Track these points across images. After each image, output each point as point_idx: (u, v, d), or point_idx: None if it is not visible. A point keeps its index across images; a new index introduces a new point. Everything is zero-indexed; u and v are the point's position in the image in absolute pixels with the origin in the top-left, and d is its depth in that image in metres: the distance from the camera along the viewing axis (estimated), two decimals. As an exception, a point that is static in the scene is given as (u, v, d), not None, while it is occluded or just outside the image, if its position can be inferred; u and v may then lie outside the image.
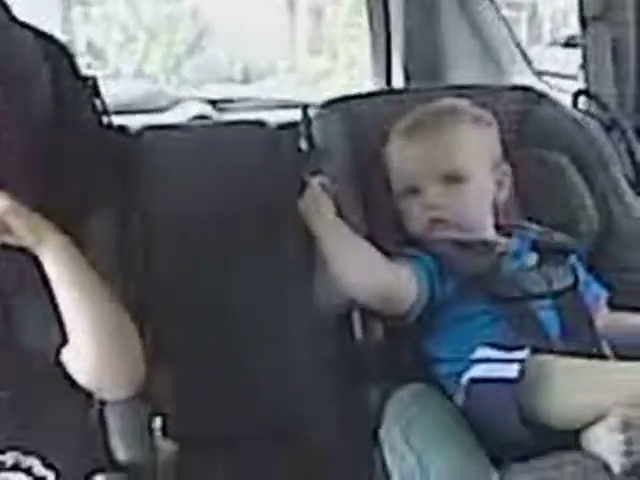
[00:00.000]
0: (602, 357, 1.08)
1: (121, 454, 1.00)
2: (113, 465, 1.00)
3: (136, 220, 1.24)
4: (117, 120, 1.35)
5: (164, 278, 1.32)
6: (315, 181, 1.23)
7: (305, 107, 1.34)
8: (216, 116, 1.76)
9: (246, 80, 2.37)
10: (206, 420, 1.31)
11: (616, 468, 0.93)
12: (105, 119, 1.33)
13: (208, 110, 1.77)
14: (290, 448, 1.30)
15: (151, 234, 1.29)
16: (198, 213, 1.42)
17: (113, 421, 1.01)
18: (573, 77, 1.68)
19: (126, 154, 1.28)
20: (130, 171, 1.27)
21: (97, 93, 1.32)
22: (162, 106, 1.80)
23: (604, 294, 1.22)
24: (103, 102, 1.34)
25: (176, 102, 1.81)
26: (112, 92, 1.37)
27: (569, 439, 0.97)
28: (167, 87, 2.07)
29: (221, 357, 1.38)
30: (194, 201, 1.43)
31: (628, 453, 0.92)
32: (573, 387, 0.98)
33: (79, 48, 2.05)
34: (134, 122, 1.52)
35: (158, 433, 1.03)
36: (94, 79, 1.32)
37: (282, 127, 1.48)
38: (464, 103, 1.28)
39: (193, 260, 1.41)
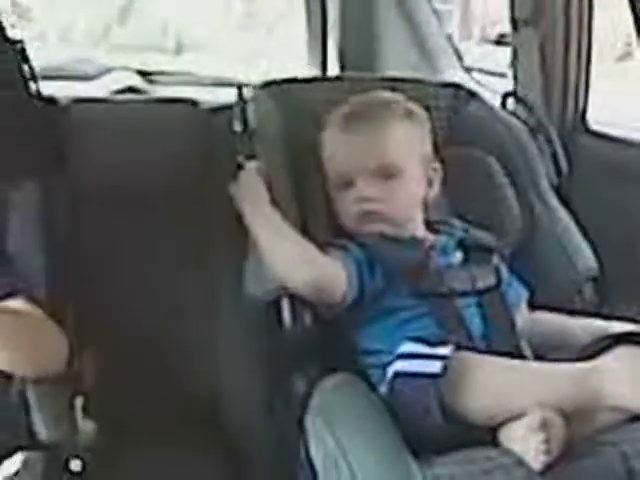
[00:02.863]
0: (521, 357, 1.12)
1: (42, 433, 0.99)
2: (35, 443, 0.98)
3: (62, 194, 1.20)
4: (41, 86, 1.30)
5: (88, 257, 1.29)
6: (250, 165, 1.22)
7: (240, 87, 1.32)
8: (146, 88, 1.72)
9: (178, 51, 2.31)
10: (130, 404, 1.30)
11: (535, 466, 0.96)
12: (33, 86, 1.28)
13: (138, 81, 1.73)
14: (216, 434, 1.30)
15: (76, 210, 1.25)
16: (127, 191, 1.39)
17: (34, 400, 1.00)
18: (502, 74, 1.73)
19: (54, 126, 1.24)
20: (57, 144, 1.23)
21: (25, 58, 1.27)
22: (89, 74, 1.74)
23: (525, 293, 1.26)
24: (32, 68, 1.29)
25: (105, 71, 1.76)
26: (36, 56, 1.32)
27: (487, 435, 1.01)
28: (95, 54, 2.00)
29: (146, 340, 1.36)
30: (122, 179, 1.40)
31: (547, 452, 0.96)
32: (493, 385, 1.01)
33: (3, 7, 1.95)
34: (58, 89, 1.47)
35: (79, 413, 1.01)
36: (22, 42, 1.27)
37: (216, 108, 1.46)
38: (399, 97, 1.30)
39: (119, 239, 1.38)
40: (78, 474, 0.98)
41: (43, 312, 1.04)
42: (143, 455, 1.22)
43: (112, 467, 1.05)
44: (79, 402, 1.03)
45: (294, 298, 1.15)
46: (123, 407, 1.25)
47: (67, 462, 0.98)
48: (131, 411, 1.28)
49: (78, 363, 1.05)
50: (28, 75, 1.27)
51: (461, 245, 1.24)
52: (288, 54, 2.08)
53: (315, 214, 1.25)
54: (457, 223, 1.28)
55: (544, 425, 0.96)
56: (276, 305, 1.16)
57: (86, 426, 1.03)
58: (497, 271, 1.22)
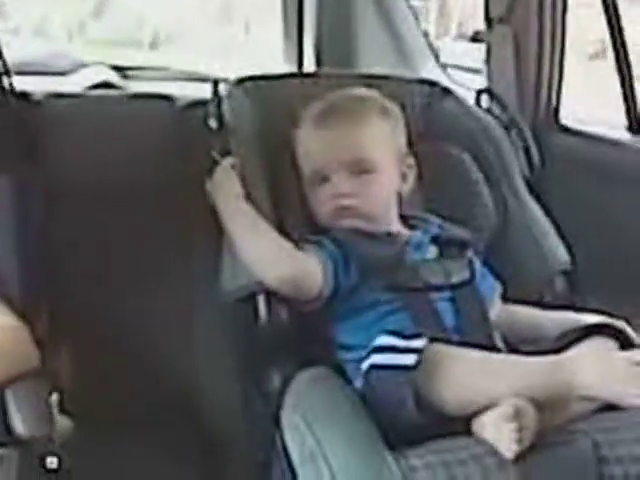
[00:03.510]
0: (494, 349, 1.13)
1: (19, 429, 0.98)
2: (11, 440, 0.98)
3: (36, 190, 1.20)
4: (15, 81, 1.29)
5: (62, 253, 1.28)
6: (225, 162, 1.22)
7: (215, 83, 1.32)
8: (121, 84, 1.71)
9: (154, 45, 2.30)
10: (106, 399, 1.29)
11: (508, 454, 0.97)
12: (6, 81, 1.27)
13: (113, 77, 1.72)
14: (192, 430, 1.30)
15: (51, 205, 1.24)
16: (101, 186, 1.38)
17: (11, 397, 0.99)
18: (477, 71, 1.75)
19: (27, 121, 1.23)
20: (31, 139, 1.22)
21: (-2, 52, 1.27)
22: (64, 69, 1.73)
23: (498, 287, 1.27)
24: (4, 62, 1.28)
25: (79, 65, 1.75)
26: (11, 50, 1.31)
27: (461, 426, 1.02)
28: (70, 49, 1.99)
29: (122, 336, 1.36)
30: (97, 174, 1.39)
31: (519, 440, 0.97)
32: (466, 376, 1.02)
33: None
34: (33, 84, 1.46)
35: (55, 409, 1.01)
36: (-6, 36, 1.26)
37: (191, 104, 1.46)
38: (374, 94, 1.31)
39: (93, 235, 1.38)
40: (54, 471, 0.97)
41: (11, 312, 1.03)
42: (119, 451, 1.22)
43: (88, 464, 1.05)
44: (55, 398, 1.03)
45: (270, 294, 1.15)
46: (99, 403, 1.25)
47: (43, 459, 0.97)
48: (107, 407, 1.28)
49: (54, 360, 1.04)
50: (1, 69, 1.26)
51: (435, 240, 1.25)
52: (265, 50, 2.08)
53: (290, 210, 1.25)
54: (432, 218, 1.29)
55: (516, 415, 0.98)
56: (252, 300, 1.16)
57: (62, 423, 1.02)
58: (471, 265, 1.23)
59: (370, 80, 1.39)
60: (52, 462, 0.97)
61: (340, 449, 0.99)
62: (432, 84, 1.47)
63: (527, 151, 1.46)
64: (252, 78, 1.37)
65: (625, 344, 1.09)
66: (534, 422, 0.99)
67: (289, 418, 1.06)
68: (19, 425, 0.99)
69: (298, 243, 1.18)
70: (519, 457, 0.97)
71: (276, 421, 1.08)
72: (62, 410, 1.02)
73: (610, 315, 1.14)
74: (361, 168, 1.22)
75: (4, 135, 1.16)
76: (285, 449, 1.05)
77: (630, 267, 1.43)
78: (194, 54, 2.16)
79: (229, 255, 1.17)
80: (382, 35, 1.94)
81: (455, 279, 1.19)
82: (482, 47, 1.69)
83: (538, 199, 1.40)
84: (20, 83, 1.35)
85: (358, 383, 1.08)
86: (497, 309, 1.25)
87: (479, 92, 1.56)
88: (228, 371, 1.25)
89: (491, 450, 0.98)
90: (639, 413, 1.04)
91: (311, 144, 1.25)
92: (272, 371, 1.13)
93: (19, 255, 1.11)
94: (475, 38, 1.87)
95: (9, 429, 0.99)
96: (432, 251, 1.24)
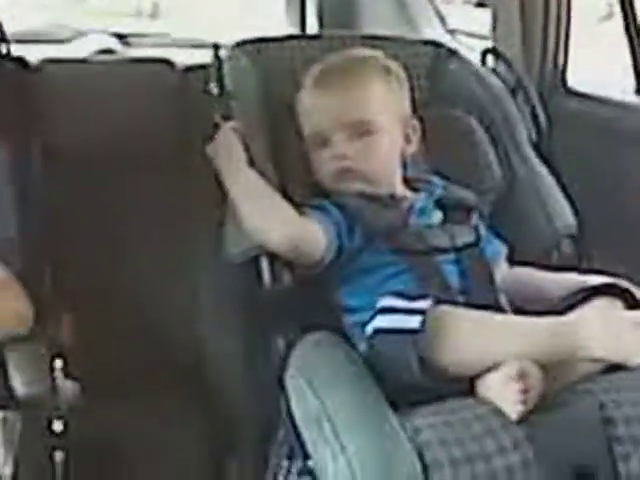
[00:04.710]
0: (500, 310, 1.12)
1: (21, 392, 0.99)
2: (13, 403, 0.98)
3: (35, 156, 1.19)
4: (16, 50, 1.28)
5: (63, 217, 1.27)
6: (227, 125, 1.21)
7: (216, 47, 1.30)
8: (122, 51, 1.69)
9: (154, 15, 2.28)
10: (109, 365, 1.29)
11: (512, 415, 0.97)
12: (3, 48, 1.26)
13: (114, 44, 1.70)
14: (197, 393, 1.30)
15: (50, 171, 1.23)
16: (101, 152, 1.37)
17: (11, 360, 0.99)
18: (485, 37, 1.72)
19: (25, 87, 1.21)
20: (30, 105, 1.21)
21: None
22: (64, 38, 1.71)
23: (504, 250, 1.26)
24: (1, 29, 1.27)
25: (79, 34, 1.73)
26: (11, 20, 1.30)
27: (465, 387, 1.01)
28: (70, 18, 1.97)
29: (126, 299, 1.35)
30: (96, 140, 1.38)
31: (524, 401, 0.96)
32: (471, 337, 1.01)
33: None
34: (32, 53, 1.45)
35: (59, 373, 1.01)
36: (-8, 4, 1.25)
37: (191, 68, 1.44)
38: (376, 54, 1.28)
39: (94, 200, 1.37)
40: (61, 434, 0.97)
41: (5, 273, 1.03)
42: (122, 416, 1.22)
43: (94, 427, 1.05)
44: (59, 364, 1.02)
45: (273, 258, 1.14)
46: (102, 369, 1.25)
47: (50, 423, 0.97)
48: (110, 373, 1.28)
49: (57, 325, 1.04)
50: (-1, 36, 1.25)
51: (440, 204, 1.23)
52: (266, 13, 2.06)
53: (293, 173, 1.24)
54: (436, 180, 1.27)
55: (521, 375, 0.97)
56: (255, 265, 1.16)
57: (67, 387, 1.02)
58: (476, 228, 1.22)
59: (373, 41, 1.37)
60: (59, 425, 0.97)
61: (344, 411, 0.99)
62: (437, 45, 1.45)
63: (534, 114, 1.44)
64: (253, 41, 1.35)
65: (631, 304, 1.08)
66: (539, 383, 0.98)
67: (293, 381, 1.06)
68: (20, 388, 0.99)
69: (301, 207, 1.16)
70: (524, 418, 0.97)
71: (280, 384, 1.07)
72: (66, 375, 1.02)
73: (616, 276, 1.13)
74: (362, 129, 1.20)
75: (2, 102, 1.15)
76: (289, 412, 1.05)
77: (636, 229, 1.42)
78: (195, 22, 2.14)
79: (232, 218, 1.16)
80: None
81: (460, 242, 1.18)
82: (488, 12, 1.66)
83: (545, 161, 1.39)
84: (19, 51, 1.33)
85: (362, 346, 1.07)
86: (503, 271, 1.24)
87: (485, 52, 1.54)
88: (232, 335, 1.25)
89: (495, 410, 0.98)
90: (645, 372, 1.03)
91: (312, 105, 1.24)
92: (276, 335, 1.12)
93: (20, 222, 1.10)
94: (481, 3, 1.84)
95: (10, 392, 0.99)
96: (437, 216, 1.23)
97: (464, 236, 1.19)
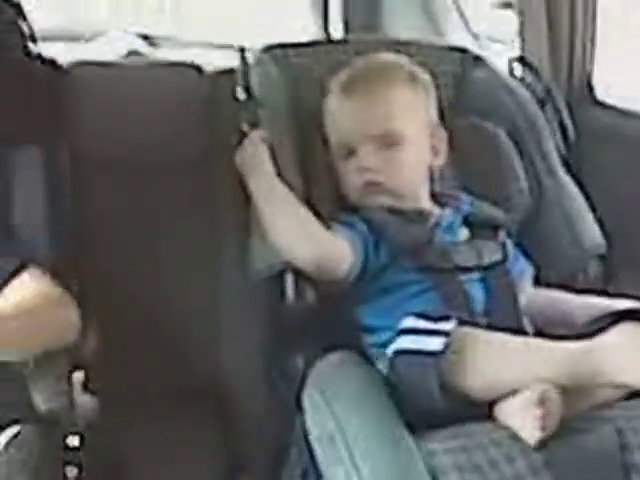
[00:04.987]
0: (523, 333, 1.10)
1: (41, 406, 0.98)
2: (32, 417, 0.98)
3: (63, 160, 1.18)
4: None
5: (90, 225, 1.27)
6: (255, 134, 1.20)
7: (242, 50, 1.29)
8: (149, 52, 1.68)
9: (174, 12, 2.26)
10: (129, 378, 1.28)
11: (531, 441, 0.96)
12: (32, 47, 1.25)
13: (140, 45, 1.69)
14: (214, 409, 1.29)
15: (79, 175, 1.22)
16: (129, 157, 1.36)
17: (33, 373, 0.99)
18: (510, 42, 1.69)
19: (55, 89, 1.21)
20: (59, 108, 1.20)
21: (22, 14, 1.24)
22: (86, 36, 1.70)
23: (530, 270, 1.24)
24: (30, 26, 1.25)
25: (102, 33, 1.72)
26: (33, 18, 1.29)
27: (484, 410, 1.00)
28: (92, 16, 1.96)
29: (147, 313, 1.34)
30: (125, 144, 1.37)
31: (543, 428, 0.95)
32: (492, 361, 1.00)
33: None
34: (56, 51, 1.43)
35: (78, 387, 1.00)
36: (19, 1, 1.24)
37: (220, 73, 1.43)
38: (403, 60, 1.26)
39: (120, 207, 1.36)
40: (76, 449, 0.97)
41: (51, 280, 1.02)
42: (141, 430, 1.21)
43: (111, 443, 1.04)
44: (78, 377, 1.02)
45: (298, 274, 1.13)
46: (122, 382, 1.24)
47: (65, 437, 0.97)
48: (130, 386, 1.27)
49: (79, 337, 1.03)
50: (27, 36, 1.24)
51: (467, 221, 1.22)
52: (291, 18, 2.04)
53: (320, 185, 1.22)
54: (464, 197, 1.25)
55: (541, 401, 0.96)
56: (280, 280, 1.15)
57: (85, 401, 1.02)
58: (503, 247, 1.20)
59: (399, 46, 1.34)
60: (74, 440, 0.97)
61: (360, 432, 0.98)
62: (463, 51, 1.42)
63: (562, 126, 1.42)
64: (279, 46, 1.34)
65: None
66: (559, 409, 0.97)
67: (310, 399, 1.05)
68: (40, 402, 0.98)
69: (329, 222, 1.15)
70: (542, 443, 0.96)
71: (298, 403, 1.07)
72: (85, 388, 1.01)
73: (644, 300, 1.11)
74: (389, 141, 1.18)
75: (33, 105, 1.14)
76: (304, 431, 1.04)
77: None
78: (219, 26, 2.12)
79: (258, 232, 1.15)
80: (411, 1, 1.89)
81: (486, 260, 1.16)
82: (513, 18, 1.64)
83: (573, 177, 1.36)
84: (44, 50, 1.32)
85: (382, 367, 1.06)
86: (528, 292, 1.22)
87: (512, 61, 1.51)
88: (252, 351, 1.24)
89: (513, 435, 0.97)
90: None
91: (338, 114, 1.22)
92: (296, 353, 1.11)
93: (50, 227, 1.09)
94: (507, 5, 1.82)
95: (30, 406, 0.98)
96: (463, 233, 1.21)
97: (491, 254, 1.17)
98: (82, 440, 0.96)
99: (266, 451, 1.17)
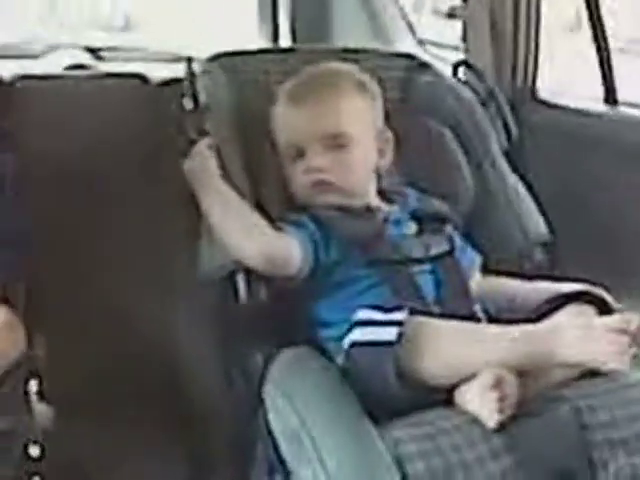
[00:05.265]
0: (475, 320, 1.13)
1: None
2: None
3: (8, 173, 1.18)
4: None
5: (37, 235, 1.26)
6: (202, 142, 1.21)
7: (189, 60, 1.30)
8: (95, 65, 1.69)
9: (127, 28, 2.27)
10: (85, 383, 1.28)
11: (490, 424, 0.98)
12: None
13: (86, 58, 1.69)
14: (174, 410, 1.29)
15: (24, 186, 1.22)
16: (76, 168, 1.36)
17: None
18: (454, 48, 1.74)
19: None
20: (3, 120, 1.20)
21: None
22: (36, 52, 1.70)
23: (478, 259, 1.27)
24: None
25: (52, 48, 1.72)
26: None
27: (443, 396, 1.02)
28: (42, 32, 1.96)
29: (101, 317, 1.34)
30: (70, 155, 1.37)
31: (500, 410, 0.97)
32: (447, 348, 1.02)
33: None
34: (4, 68, 1.44)
35: (34, 396, 0.99)
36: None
37: (165, 83, 1.44)
38: (350, 68, 1.29)
39: (68, 217, 1.36)
40: (38, 459, 0.96)
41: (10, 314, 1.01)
42: (100, 435, 1.20)
43: (71, 450, 1.03)
44: (33, 386, 1.01)
45: (249, 273, 1.14)
46: (78, 388, 1.23)
47: (26, 448, 0.96)
48: (86, 391, 1.26)
49: (30, 345, 1.02)
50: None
51: (414, 215, 1.24)
52: (239, 26, 2.06)
53: (268, 187, 1.24)
54: (411, 192, 1.28)
55: (498, 384, 0.98)
56: (232, 280, 1.16)
57: (42, 410, 1.01)
58: (450, 239, 1.23)
59: (347, 54, 1.37)
60: (35, 450, 0.95)
61: (323, 426, 0.99)
62: (410, 58, 1.46)
63: (505, 124, 1.46)
64: (226, 54, 1.35)
65: (604, 310, 1.10)
66: (516, 391, 0.99)
67: (271, 396, 1.06)
68: None
69: (278, 222, 1.17)
70: (502, 426, 0.98)
71: (259, 399, 1.07)
72: (41, 397, 1.00)
73: (589, 283, 1.14)
74: (336, 142, 1.21)
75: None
76: (268, 427, 1.05)
77: (608, 236, 1.44)
78: (167, 35, 2.13)
79: (207, 235, 1.16)
80: (358, 10, 1.93)
81: (434, 252, 1.19)
82: (456, 23, 1.68)
83: (516, 171, 1.41)
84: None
85: (339, 360, 1.07)
86: (477, 281, 1.25)
87: (456, 65, 1.56)
88: (210, 351, 1.25)
89: (474, 420, 0.98)
90: (619, 378, 1.05)
91: (286, 118, 1.24)
92: (254, 350, 1.12)
93: None
94: (451, 14, 1.86)
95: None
96: (411, 227, 1.23)
97: (439, 246, 1.20)
98: (43, 450, 0.94)
99: (232, 450, 1.17)
